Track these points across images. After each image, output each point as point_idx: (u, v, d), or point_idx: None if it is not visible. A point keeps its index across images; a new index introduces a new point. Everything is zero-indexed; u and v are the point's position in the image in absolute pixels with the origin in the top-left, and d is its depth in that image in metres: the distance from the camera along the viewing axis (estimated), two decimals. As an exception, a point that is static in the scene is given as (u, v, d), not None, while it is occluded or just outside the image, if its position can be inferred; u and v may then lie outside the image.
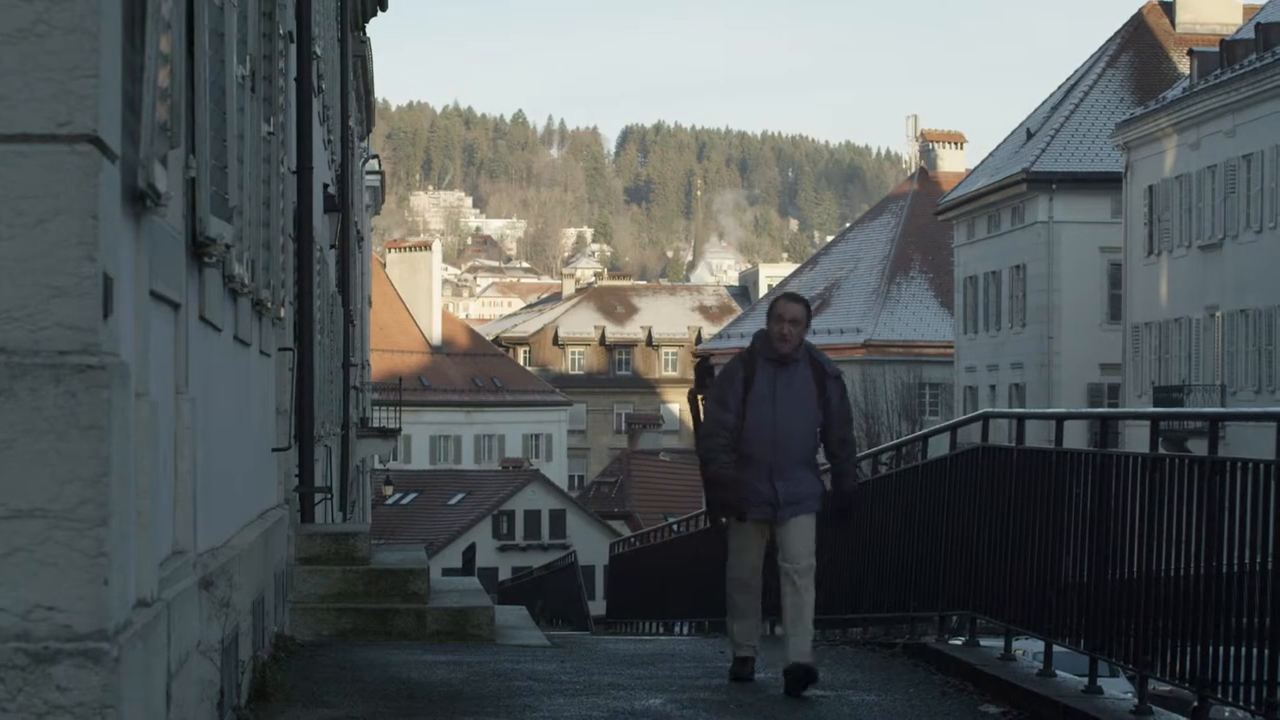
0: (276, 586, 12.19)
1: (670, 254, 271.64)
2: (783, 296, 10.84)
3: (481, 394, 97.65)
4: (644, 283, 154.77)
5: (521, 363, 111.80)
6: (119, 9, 5.43)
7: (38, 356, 5.02)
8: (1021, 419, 12.06)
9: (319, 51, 17.67)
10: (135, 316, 5.81)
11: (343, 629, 13.81)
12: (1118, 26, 70.82)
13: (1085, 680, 10.13)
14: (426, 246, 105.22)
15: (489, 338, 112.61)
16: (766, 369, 10.65)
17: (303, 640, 13.23)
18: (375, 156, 43.83)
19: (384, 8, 30.72)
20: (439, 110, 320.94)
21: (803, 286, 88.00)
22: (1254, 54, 51.99)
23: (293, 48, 14.03)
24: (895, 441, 16.67)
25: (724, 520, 10.82)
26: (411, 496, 79.04)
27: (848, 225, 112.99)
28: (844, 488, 10.89)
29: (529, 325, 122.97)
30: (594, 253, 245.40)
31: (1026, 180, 63.84)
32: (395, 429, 43.96)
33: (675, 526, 27.92)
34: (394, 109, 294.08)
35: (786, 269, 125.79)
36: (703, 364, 11.56)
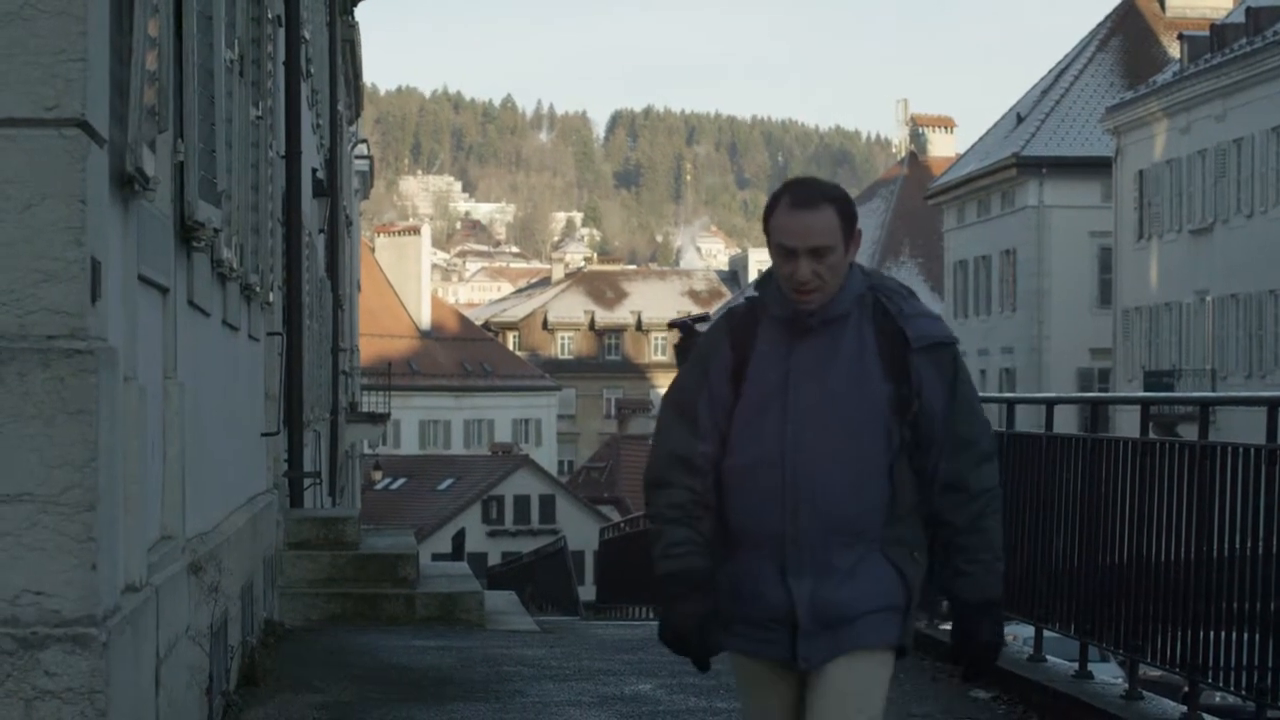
0: (265, 571, 12.17)
1: (660, 238, 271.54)
2: (791, 189, 4.92)
3: (471, 379, 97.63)
4: (633, 267, 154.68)
5: (511, 347, 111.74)
6: (106, -8, 5.41)
7: (25, 341, 5.00)
8: (1011, 403, 12.04)
9: (307, 35, 17.64)
10: (123, 301, 5.79)
11: (332, 614, 13.80)
12: (1108, 10, 70.83)
13: (1076, 665, 10.13)
14: (415, 231, 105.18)
15: (478, 322, 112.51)
16: (776, 344, 4.93)
17: (292, 625, 13.23)
18: (364, 141, 43.75)
19: (373, -9, 30.62)
20: (428, 94, 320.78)
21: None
22: (1244, 38, 51.99)
23: (281, 32, 13.99)
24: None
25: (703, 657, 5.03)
26: (401, 481, 79.01)
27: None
28: (972, 605, 4.97)
29: (518, 310, 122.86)
30: (583, 237, 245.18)
31: (1016, 164, 63.83)
32: (384, 414, 43.93)
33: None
34: (383, 93, 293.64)
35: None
36: (686, 331, 5.22)
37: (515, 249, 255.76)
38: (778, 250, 4.84)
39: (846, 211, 4.84)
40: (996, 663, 5.17)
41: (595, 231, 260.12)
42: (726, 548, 4.93)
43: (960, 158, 75.81)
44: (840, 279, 4.84)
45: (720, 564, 4.92)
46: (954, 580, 4.92)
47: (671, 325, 5.08)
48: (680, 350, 5.14)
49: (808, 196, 4.81)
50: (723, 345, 4.96)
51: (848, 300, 4.87)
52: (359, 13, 32.57)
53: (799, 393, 4.83)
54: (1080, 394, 47.10)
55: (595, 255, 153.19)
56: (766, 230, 4.87)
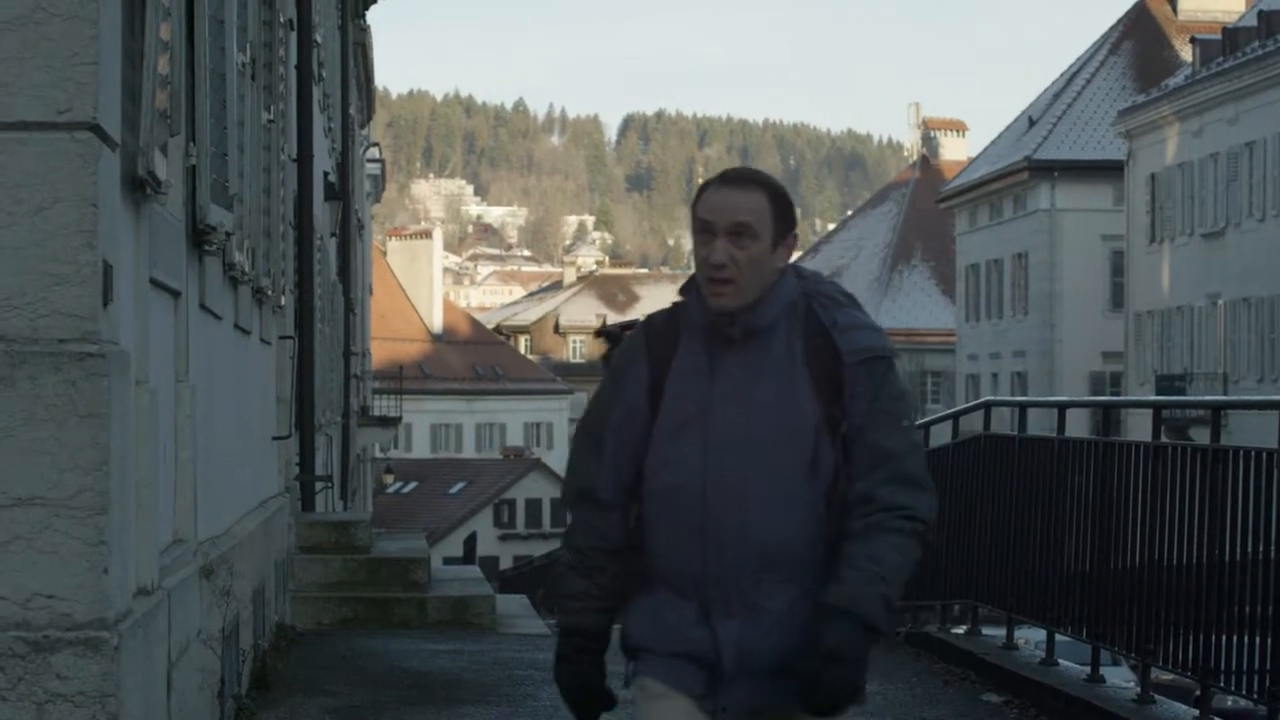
0: (277, 575, 12.18)
1: (671, 242, 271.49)
2: (725, 172, 4.41)
3: (482, 382, 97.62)
4: (645, 271, 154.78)
5: (523, 351, 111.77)
6: (118, -4, 5.42)
7: (37, 345, 5.00)
8: (1024, 407, 12.03)
9: (319, 39, 17.65)
10: (135, 304, 5.80)
11: (343, 617, 13.80)
12: (1120, 14, 70.84)
13: (1088, 669, 10.12)
14: (427, 234, 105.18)
15: (490, 326, 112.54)
16: (697, 357, 4.33)
17: (303, 629, 13.23)
18: (376, 144, 43.79)
19: (385, -5, 30.63)
20: (439, 98, 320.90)
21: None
22: (1256, 41, 51.92)
23: (293, 35, 14.01)
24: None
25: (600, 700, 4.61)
26: (412, 485, 79.02)
27: (849, 213, 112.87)
28: (828, 609, 4.16)
29: (530, 313, 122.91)
30: (595, 240, 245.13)
31: (1028, 168, 63.80)
32: (396, 417, 43.92)
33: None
34: (394, 97, 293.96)
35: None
36: (615, 341, 4.61)
37: (527, 252, 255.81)
38: (697, 230, 4.27)
39: (780, 204, 4.29)
40: (842, 710, 4.14)
41: (607, 235, 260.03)
42: (645, 582, 4.33)
43: (972, 161, 75.78)
44: (763, 279, 4.23)
45: (637, 597, 4.36)
46: (826, 588, 4.13)
47: (598, 334, 4.65)
48: (608, 363, 4.53)
49: (740, 177, 4.31)
50: (639, 359, 4.36)
51: (776, 309, 4.25)
52: (371, 16, 32.60)
53: (721, 413, 4.22)
54: (1092, 398, 47.08)
55: (607, 259, 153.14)
56: (693, 213, 4.32)
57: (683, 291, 4.39)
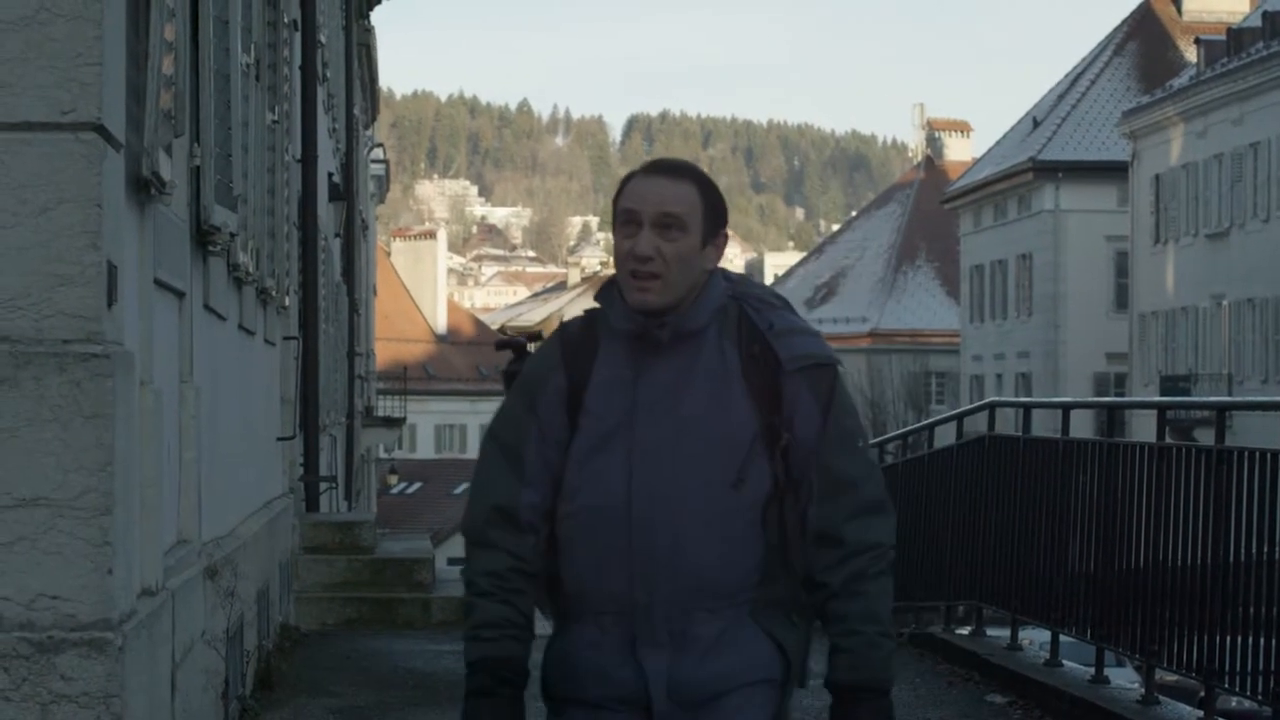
0: (281, 576, 12.19)
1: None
2: (641, 170, 4.01)
3: (487, 383, 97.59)
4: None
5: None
6: (123, -4, 5.42)
7: (41, 345, 5.00)
8: (1028, 408, 12.02)
9: (323, 39, 17.66)
10: (139, 305, 5.80)
11: (348, 618, 13.81)
12: (1125, 14, 70.81)
13: (1092, 670, 10.12)
14: (431, 235, 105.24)
15: (494, 327, 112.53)
16: (619, 365, 3.97)
17: (307, 630, 13.24)
18: (380, 145, 43.81)
19: (389, -4, 30.66)
20: (444, 99, 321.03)
21: (809, 275, 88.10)
22: (1261, 42, 51.91)
23: (297, 35, 14.01)
24: (901, 431, 16.66)
25: None
26: (416, 486, 79.00)
27: (854, 214, 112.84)
28: (845, 688, 3.93)
29: (534, 314, 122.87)
30: (599, 241, 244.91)
31: (1033, 169, 63.79)
32: (400, 418, 43.97)
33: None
34: (399, 97, 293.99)
35: (792, 258, 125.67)
36: (519, 352, 4.48)
37: (531, 253, 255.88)
38: (621, 223, 3.92)
39: (712, 198, 3.92)
40: None
41: (611, 236, 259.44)
42: (561, 615, 3.98)
43: (976, 162, 75.79)
44: (691, 277, 3.87)
45: (554, 637, 3.99)
46: (830, 657, 3.88)
47: (500, 346, 4.39)
48: (509, 377, 4.16)
49: (670, 166, 3.94)
50: (554, 368, 3.96)
51: (706, 312, 3.90)
52: (375, 17, 32.62)
53: (647, 425, 3.84)
54: (1096, 398, 47.08)
55: (611, 260, 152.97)
56: (615, 206, 3.95)
57: (599, 297, 4.02)
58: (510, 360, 4.23)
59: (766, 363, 3.86)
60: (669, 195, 3.86)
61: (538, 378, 3.96)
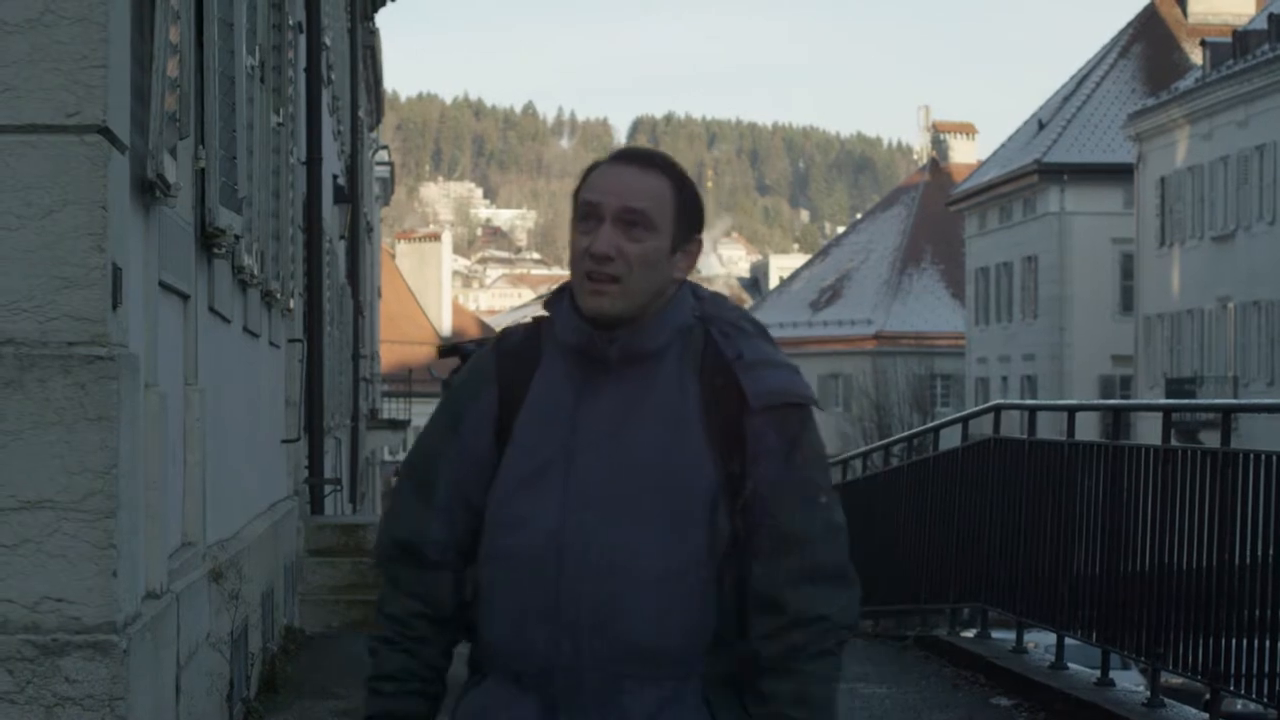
0: (286, 578, 12.19)
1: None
2: (607, 159, 3.39)
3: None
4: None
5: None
6: (128, -1, 5.42)
7: (46, 348, 5.00)
8: (1033, 411, 12.02)
9: (328, 42, 17.66)
10: (144, 307, 5.80)
11: (353, 620, 13.80)
12: (1130, 17, 70.79)
13: (1097, 673, 10.12)
14: (436, 238, 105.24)
15: (499, 329, 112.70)
16: (560, 385, 3.35)
17: (312, 632, 13.23)
18: (385, 147, 43.82)
19: (394, -2, 30.69)
20: (449, 101, 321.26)
21: (814, 278, 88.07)
22: (1267, 44, 51.88)
23: (302, 38, 14.01)
24: (907, 433, 16.65)
25: None
26: (422, 488, 79.02)
27: (859, 216, 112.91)
28: None
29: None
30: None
31: (1038, 171, 63.78)
32: (405, 420, 43.92)
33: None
34: (404, 100, 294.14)
35: (798, 260, 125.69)
36: (465, 360, 3.60)
37: (536, 256, 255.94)
38: (580, 217, 3.34)
39: (686, 197, 3.35)
40: None
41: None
42: (475, 664, 3.38)
43: (982, 164, 75.76)
44: (655, 286, 3.30)
45: (465, 694, 3.39)
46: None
47: (442, 353, 4.04)
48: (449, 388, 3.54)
49: (640, 156, 3.36)
50: (486, 384, 3.38)
51: (666, 330, 3.30)
52: (380, 19, 32.64)
53: (585, 460, 3.25)
54: (1102, 401, 46.99)
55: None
56: (575, 199, 3.39)
57: (548, 304, 3.43)
58: (453, 370, 3.61)
59: (730, 399, 3.27)
60: (636, 188, 3.29)
61: (466, 393, 3.41)
